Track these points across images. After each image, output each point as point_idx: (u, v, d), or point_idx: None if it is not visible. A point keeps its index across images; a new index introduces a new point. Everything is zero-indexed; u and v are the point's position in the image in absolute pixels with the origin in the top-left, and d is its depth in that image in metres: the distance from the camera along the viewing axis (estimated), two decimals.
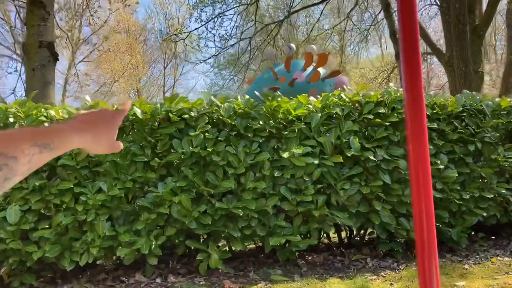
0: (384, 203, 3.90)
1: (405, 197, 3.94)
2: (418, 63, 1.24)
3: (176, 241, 3.67)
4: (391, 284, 3.30)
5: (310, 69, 6.15)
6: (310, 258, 4.14)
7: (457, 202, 4.07)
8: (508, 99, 4.59)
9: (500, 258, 3.97)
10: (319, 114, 3.83)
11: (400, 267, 3.77)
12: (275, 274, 3.64)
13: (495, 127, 4.44)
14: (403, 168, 3.90)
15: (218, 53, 16.20)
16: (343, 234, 4.63)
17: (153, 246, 3.42)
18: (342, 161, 3.76)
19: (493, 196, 4.21)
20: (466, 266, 3.73)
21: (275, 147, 3.76)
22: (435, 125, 4.09)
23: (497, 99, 4.53)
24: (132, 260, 3.44)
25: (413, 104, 1.19)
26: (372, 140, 3.94)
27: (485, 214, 4.13)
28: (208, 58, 15.27)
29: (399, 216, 4.01)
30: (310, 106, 3.89)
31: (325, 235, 4.53)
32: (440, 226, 4.01)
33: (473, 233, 4.73)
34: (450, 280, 3.37)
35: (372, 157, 3.77)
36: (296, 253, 4.20)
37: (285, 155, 3.61)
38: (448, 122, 4.21)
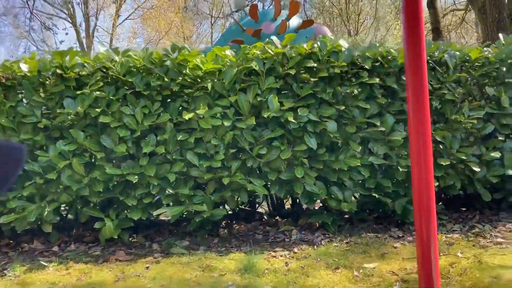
0: (310, 170, 3.44)
1: (337, 163, 3.45)
2: (419, 15, 1.14)
3: (78, 207, 3.44)
4: (286, 263, 2.90)
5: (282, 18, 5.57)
6: (237, 227, 3.79)
7: (402, 169, 3.52)
8: (484, 49, 3.88)
9: (449, 235, 3.43)
10: (235, 69, 3.37)
11: (323, 242, 3.34)
12: (178, 246, 3.33)
13: (464, 81, 3.77)
14: (332, 131, 3.39)
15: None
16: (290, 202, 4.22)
17: (45, 213, 3.21)
18: (255, 123, 3.32)
19: (450, 163, 3.61)
20: (398, 244, 3.24)
21: (183, 107, 3.37)
22: (377, 80, 3.50)
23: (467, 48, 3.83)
24: (24, 227, 3.26)
25: (414, 60, 1.15)
26: (298, 99, 3.44)
27: (437, 184, 3.55)
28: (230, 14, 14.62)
29: (331, 185, 3.54)
30: (228, 61, 3.43)
31: (266, 203, 4.15)
32: (377, 196, 3.51)
33: (440, 203, 4.17)
34: (364, 261, 2.92)
35: (291, 119, 3.29)
36: (223, 223, 3.87)
37: (187, 116, 3.22)
38: (397, 77, 3.60)
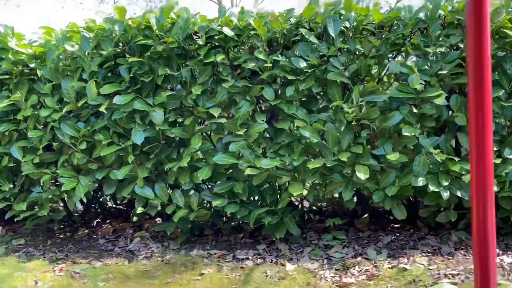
0: (142, 170, 2.87)
1: (173, 162, 2.82)
2: None
3: None
4: (36, 282, 2.44)
5: None
6: (103, 227, 3.40)
7: (251, 171, 2.71)
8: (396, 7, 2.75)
9: (306, 264, 2.56)
10: (57, 51, 2.96)
11: (141, 257, 2.77)
12: (11, 245, 3.11)
13: (357, 54, 2.73)
14: (158, 122, 2.76)
15: None
16: None
17: None
18: (63, 113, 2.87)
19: (321, 165, 2.66)
20: (213, 270, 2.52)
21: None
22: (219, 58, 2.72)
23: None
24: None
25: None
26: (126, 84, 2.88)
27: (296, 193, 2.66)
28: None
29: (172, 187, 2.94)
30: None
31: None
32: (216, 204, 2.78)
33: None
34: None
35: (103, 109, 2.77)
36: (95, 221, 3.52)
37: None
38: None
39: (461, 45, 2.69)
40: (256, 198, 2.96)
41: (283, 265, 2.56)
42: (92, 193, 3.35)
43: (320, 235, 2.99)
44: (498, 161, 2.56)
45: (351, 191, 2.73)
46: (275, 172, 2.75)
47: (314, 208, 3.31)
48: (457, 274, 2.37)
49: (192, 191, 2.91)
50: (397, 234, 2.94)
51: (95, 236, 3.25)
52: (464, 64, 2.67)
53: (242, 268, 2.54)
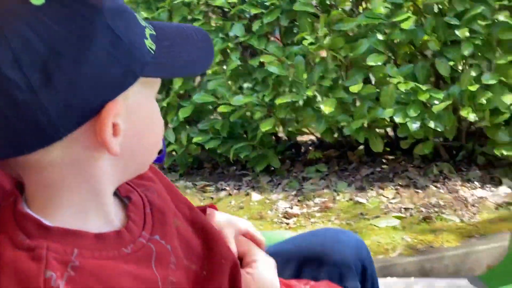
0: None
1: (162, 101, 3.02)
2: None
3: None
4: None
5: None
6: None
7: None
8: None
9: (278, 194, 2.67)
10: None
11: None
12: None
13: None
14: None
15: None
16: None
17: None
18: None
19: (289, 101, 2.66)
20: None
21: None
22: None
23: None
24: None
25: None
26: None
27: (265, 129, 2.71)
28: None
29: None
30: None
31: None
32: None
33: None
34: None
35: None
36: None
37: None
38: None
39: None
40: (240, 134, 3.06)
41: (251, 195, 2.69)
42: None
43: (305, 167, 3.02)
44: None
45: (325, 124, 2.71)
46: (252, 109, 2.82)
47: (313, 141, 3.32)
48: (411, 209, 2.30)
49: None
50: (383, 167, 2.86)
51: None
52: None
53: (212, 198, 2.73)
